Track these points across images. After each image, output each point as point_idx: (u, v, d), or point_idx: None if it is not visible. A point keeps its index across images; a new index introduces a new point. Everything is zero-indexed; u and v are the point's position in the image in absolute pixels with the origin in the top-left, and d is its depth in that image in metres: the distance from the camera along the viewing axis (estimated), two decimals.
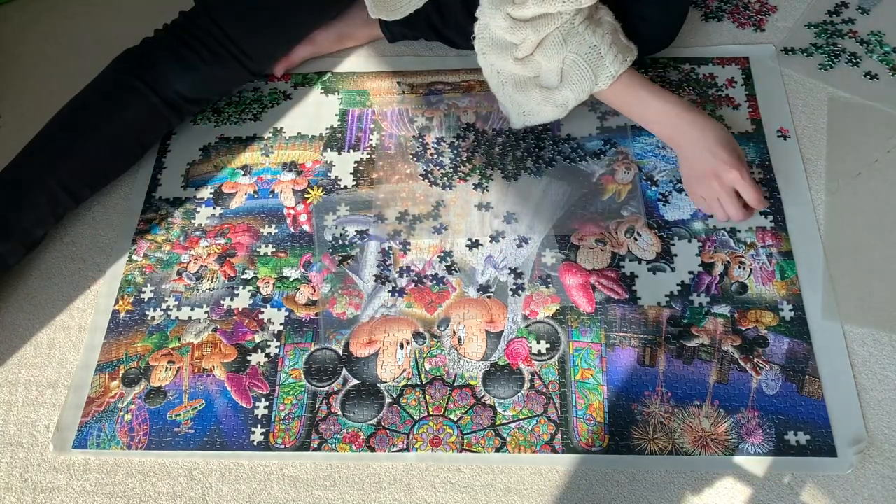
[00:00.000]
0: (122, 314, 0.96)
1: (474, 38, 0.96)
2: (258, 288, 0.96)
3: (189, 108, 1.08)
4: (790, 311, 0.89)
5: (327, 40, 1.16)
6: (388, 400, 0.87)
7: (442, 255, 0.97)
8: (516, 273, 0.94)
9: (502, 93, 1.00)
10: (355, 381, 0.88)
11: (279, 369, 0.90)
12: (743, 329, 0.88)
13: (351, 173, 1.06)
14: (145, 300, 0.97)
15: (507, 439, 0.84)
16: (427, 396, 0.87)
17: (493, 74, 0.99)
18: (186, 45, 1.03)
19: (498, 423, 0.85)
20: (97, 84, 1.03)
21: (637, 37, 1.01)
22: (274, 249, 0.99)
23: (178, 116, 1.07)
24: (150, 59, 1.02)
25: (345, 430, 0.85)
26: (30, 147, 1.00)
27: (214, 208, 1.04)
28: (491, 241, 0.97)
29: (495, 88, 1.00)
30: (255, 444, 0.85)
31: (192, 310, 0.95)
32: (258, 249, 1.00)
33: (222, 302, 0.96)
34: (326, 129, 1.11)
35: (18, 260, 0.98)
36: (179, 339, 0.93)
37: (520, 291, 0.93)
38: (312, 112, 1.13)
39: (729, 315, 0.89)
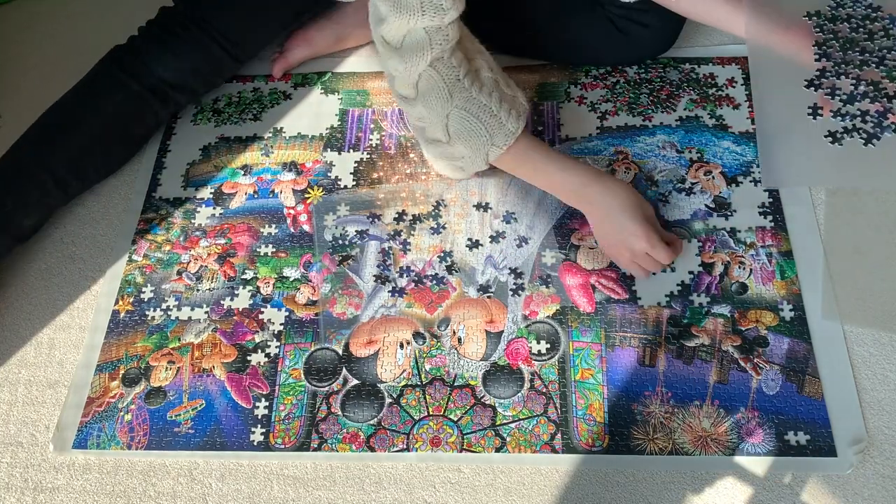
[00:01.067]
0: (122, 314, 0.96)
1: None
2: (258, 288, 0.96)
3: (175, 97, 1.07)
4: (790, 311, 0.89)
5: (325, 41, 1.16)
6: (388, 400, 0.87)
7: (442, 255, 0.97)
8: (516, 273, 0.94)
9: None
10: (355, 381, 0.88)
11: (279, 369, 0.90)
12: (743, 329, 0.88)
13: (351, 173, 1.06)
14: (145, 300, 0.97)
15: (507, 439, 0.84)
16: (427, 396, 0.87)
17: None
18: (166, 30, 1.05)
19: (498, 423, 0.85)
20: (84, 80, 1.05)
21: (639, 42, 1.05)
22: (274, 249, 0.99)
23: (165, 105, 1.07)
24: (133, 51, 1.05)
25: (345, 430, 0.85)
26: (18, 141, 1.02)
27: (214, 208, 1.04)
28: (491, 241, 0.97)
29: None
30: (255, 444, 0.85)
31: (192, 310, 0.95)
32: (258, 249, 1.00)
33: (222, 302, 0.96)
34: (326, 129, 1.11)
35: (7, 251, 0.98)
36: (179, 339, 0.93)
37: (520, 291, 0.93)
38: (312, 112, 1.13)
39: (729, 315, 0.89)
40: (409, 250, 0.98)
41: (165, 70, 1.04)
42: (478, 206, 1.00)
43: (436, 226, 0.99)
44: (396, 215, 1.01)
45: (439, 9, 0.80)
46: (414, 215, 1.00)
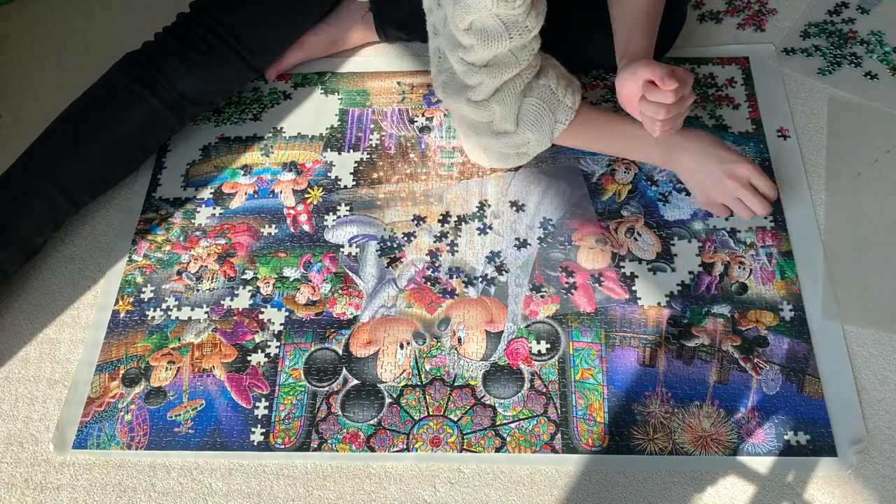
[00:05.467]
0: (122, 314, 0.96)
1: (433, 76, 0.96)
2: (258, 288, 0.96)
3: (191, 111, 1.06)
4: (790, 311, 0.89)
5: (318, 45, 1.16)
6: (388, 400, 0.87)
7: (442, 255, 0.97)
8: (516, 273, 0.94)
9: (462, 135, 1.00)
10: (355, 381, 0.88)
11: (279, 369, 0.90)
12: (743, 329, 0.88)
13: (351, 173, 1.06)
14: (145, 300, 0.97)
15: (507, 439, 0.84)
16: (427, 396, 0.87)
17: (452, 116, 0.98)
18: (187, 43, 1.02)
19: (498, 423, 0.85)
20: (98, 89, 1.02)
21: None
22: (274, 249, 0.99)
23: (180, 120, 1.05)
24: (151, 62, 1.02)
25: (345, 430, 0.85)
26: (29, 153, 0.99)
27: (214, 208, 1.04)
28: (491, 241, 0.97)
29: (457, 129, 1.02)
30: (255, 444, 0.85)
31: (192, 310, 0.95)
32: (258, 249, 1.00)
33: (222, 302, 0.96)
34: (326, 129, 1.11)
35: (18, 267, 0.97)
36: (179, 339, 0.93)
37: (520, 291, 0.93)
38: (312, 112, 1.13)
39: (729, 315, 0.89)
40: (410, 250, 0.97)
41: (187, 87, 1.02)
42: (478, 207, 1.01)
43: (436, 226, 0.99)
44: (397, 215, 1.01)
45: (525, 30, 0.83)
46: (414, 215, 1.00)
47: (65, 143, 0.99)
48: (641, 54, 0.89)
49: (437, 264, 0.96)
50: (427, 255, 0.97)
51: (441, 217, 1.00)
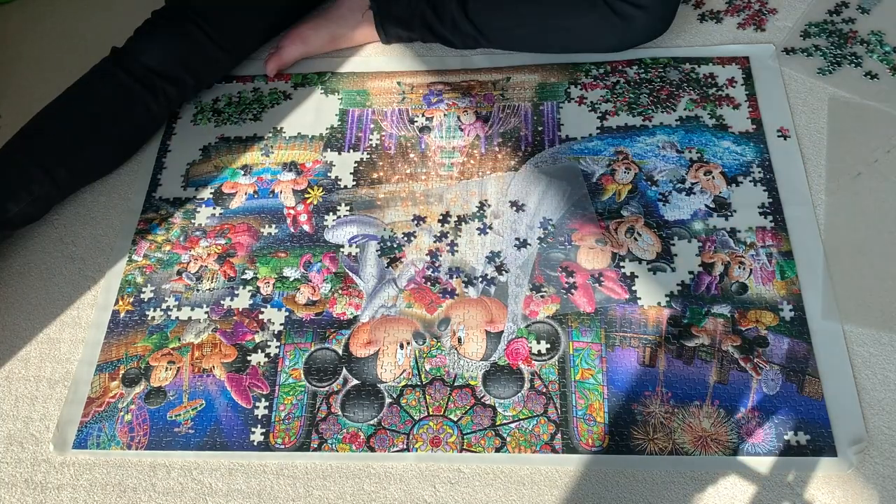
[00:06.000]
0: (122, 314, 0.96)
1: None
2: (258, 288, 0.96)
3: (164, 87, 1.07)
4: (790, 311, 0.89)
5: (319, 40, 1.16)
6: (388, 400, 0.87)
7: (442, 255, 0.97)
8: (516, 273, 0.94)
9: None
10: (355, 381, 0.89)
11: (279, 369, 0.90)
12: (743, 329, 0.88)
13: (351, 173, 1.06)
14: (145, 300, 0.97)
15: (507, 439, 0.84)
16: (427, 396, 0.87)
17: None
18: (154, 25, 1.08)
19: (498, 423, 0.85)
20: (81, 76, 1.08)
21: (633, 24, 1.05)
22: (274, 249, 0.99)
23: (154, 96, 1.06)
24: (123, 47, 1.08)
25: (345, 430, 0.85)
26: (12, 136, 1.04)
27: (214, 208, 1.04)
28: (491, 241, 0.97)
29: None
30: (255, 444, 0.85)
31: (192, 310, 0.95)
32: (258, 249, 1.00)
33: (222, 302, 0.96)
34: (326, 129, 1.11)
35: None
36: (179, 339, 0.93)
37: (520, 291, 0.93)
38: (312, 112, 1.13)
39: (729, 315, 0.89)
40: (410, 250, 0.97)
41: (150, 58, 1.06)
42: (478, 207, 1.00)
43: (436, 226, 0.99)
44: (397, 216, 1.01)
45: None
46: (414, 215, 1.01)
47: (38, 118, 1.04)
48: None
49: (437, 264, 0.96)
50: (427, 255, 0.97)
51: (441, 217, 1.00)
